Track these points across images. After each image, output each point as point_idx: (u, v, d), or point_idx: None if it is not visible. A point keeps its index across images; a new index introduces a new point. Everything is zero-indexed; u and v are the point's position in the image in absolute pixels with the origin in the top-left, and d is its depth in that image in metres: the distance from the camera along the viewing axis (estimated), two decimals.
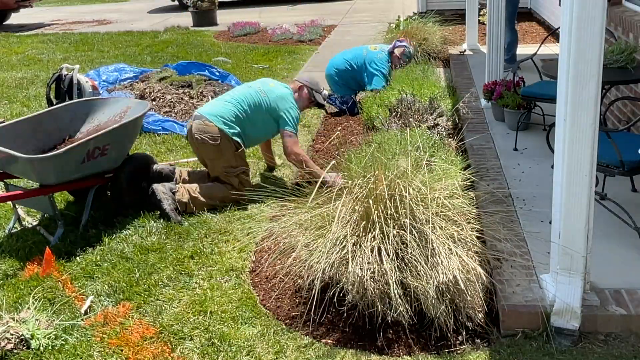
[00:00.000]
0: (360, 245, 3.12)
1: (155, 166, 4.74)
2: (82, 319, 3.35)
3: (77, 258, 3.97)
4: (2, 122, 6.75)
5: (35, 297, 3.52)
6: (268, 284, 3.59)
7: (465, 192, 3.61)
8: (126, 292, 3.58)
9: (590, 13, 2.57)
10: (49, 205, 4.21)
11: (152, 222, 4.34)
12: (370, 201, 3.23)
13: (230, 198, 4.50)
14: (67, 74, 7.02)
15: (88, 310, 3.43)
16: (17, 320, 3.28)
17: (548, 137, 4.02)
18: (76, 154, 4.13)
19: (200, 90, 7.36)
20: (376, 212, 3.17)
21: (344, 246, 3.12)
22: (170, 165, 4.88)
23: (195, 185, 4.54)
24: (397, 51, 6.92)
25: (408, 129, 4.01)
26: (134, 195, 4.58)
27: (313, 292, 3.05)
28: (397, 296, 2.95)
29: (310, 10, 14.81)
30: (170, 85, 7.60)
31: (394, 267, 3.00)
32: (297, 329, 3.18)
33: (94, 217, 4.47)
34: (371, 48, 7.02)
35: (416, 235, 3.09)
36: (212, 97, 7.19)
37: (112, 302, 3.51)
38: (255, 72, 8.72)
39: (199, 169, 4.98)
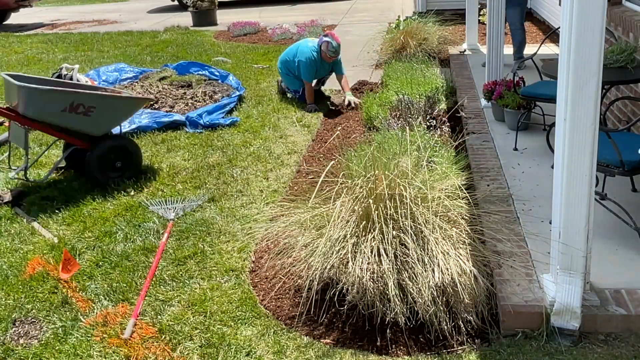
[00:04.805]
0: (360, 246, 3.12)
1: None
2: (82, 319, 3.35)
3: (78, 258, 3.97)
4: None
5: (36, 297, 3.52)
6: (268, 284, 3.59)
7: (465, 192, 3.61)
8: (126, 292, 3.58)
9: (590, 13, 2.57)
10: (23, 138, 4.74)
11: (152, 222, 4.34)
12: (370, 201, 3.23)
13: None
14: (66, 74, 7.03)
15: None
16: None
17: (548, 137, 4.02)
18: (58, 99, 4.61)
19: (200, 90, 7.35)
20: (376, 212, 3.17)
21: (344, 246, 3.12)
22: None
23: None
24: (322, 46, 6.91)
25: (408, 129, 4.00)
26: (104, 174, 4.97)
27: (313, 292, 3.05)
28: (395, 297, 2.94)
29: (310, 10, 14.81)
30: (170, 85, 7.59)
31: (393, 267, 3.00)
32: (297, 329, 3.18)
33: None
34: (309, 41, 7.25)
35: (416, 236, 3.09)
36: (211, 97, 7.19)
37: (112, 302, 3.51)
38: (255, 72, 8.72)
39: None
